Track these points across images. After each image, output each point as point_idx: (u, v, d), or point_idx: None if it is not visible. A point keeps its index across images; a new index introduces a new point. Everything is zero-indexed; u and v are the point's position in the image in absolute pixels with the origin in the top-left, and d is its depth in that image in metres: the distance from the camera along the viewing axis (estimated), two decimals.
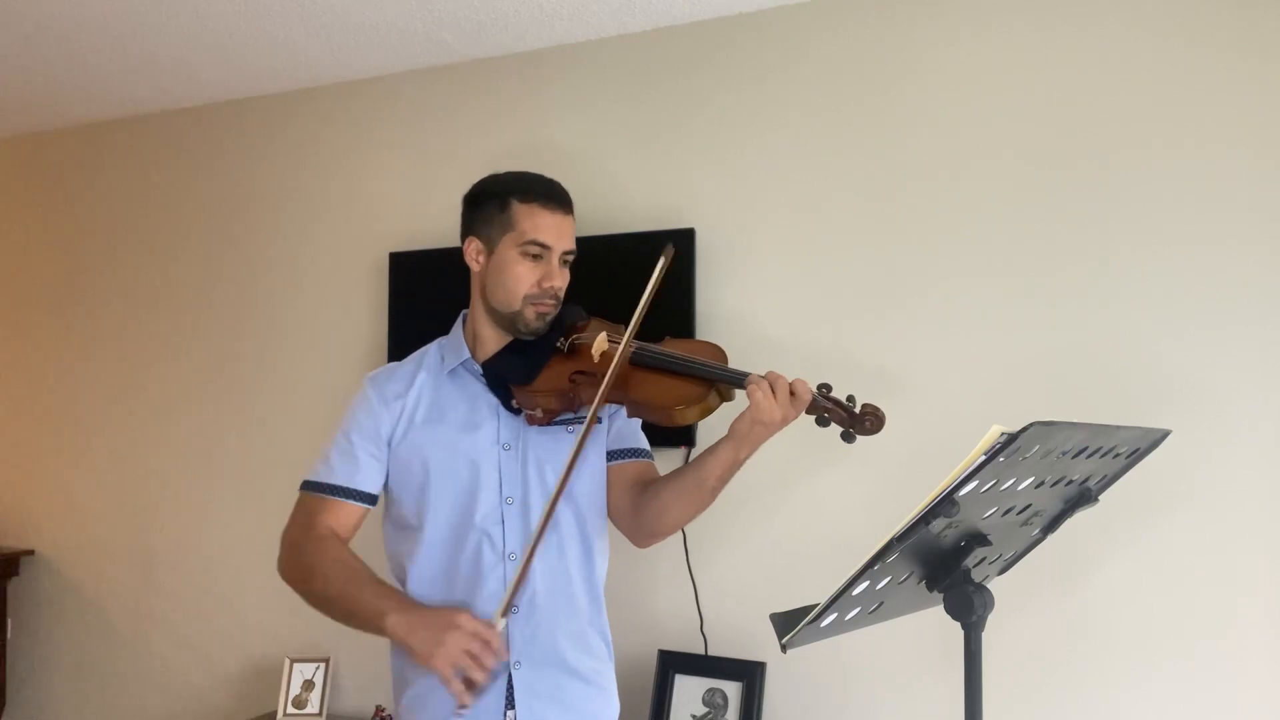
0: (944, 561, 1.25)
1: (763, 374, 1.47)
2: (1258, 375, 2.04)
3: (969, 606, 1.22)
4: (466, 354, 1.64)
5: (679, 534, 2.31)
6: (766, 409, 1.43)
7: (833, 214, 2.41)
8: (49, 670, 3.28)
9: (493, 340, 1.64)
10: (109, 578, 3.21)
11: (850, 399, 1.48)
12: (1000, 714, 1.99)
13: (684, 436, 2.38)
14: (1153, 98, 2.15)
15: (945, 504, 1.09)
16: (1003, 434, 1.05)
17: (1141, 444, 1.33)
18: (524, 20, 2.59)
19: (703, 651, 2.39)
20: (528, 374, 1.58)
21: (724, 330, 2.42)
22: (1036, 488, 1.23)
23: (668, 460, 2.32)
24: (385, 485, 1.65)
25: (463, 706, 1.42)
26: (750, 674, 2.30)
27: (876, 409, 1.46)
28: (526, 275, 1.58)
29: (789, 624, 1.22)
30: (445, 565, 1.58)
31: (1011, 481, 1.16)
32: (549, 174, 1.68)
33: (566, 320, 1.65)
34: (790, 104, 2.48)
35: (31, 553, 3.32)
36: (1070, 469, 1.25)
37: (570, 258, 1.64)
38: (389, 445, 1.62)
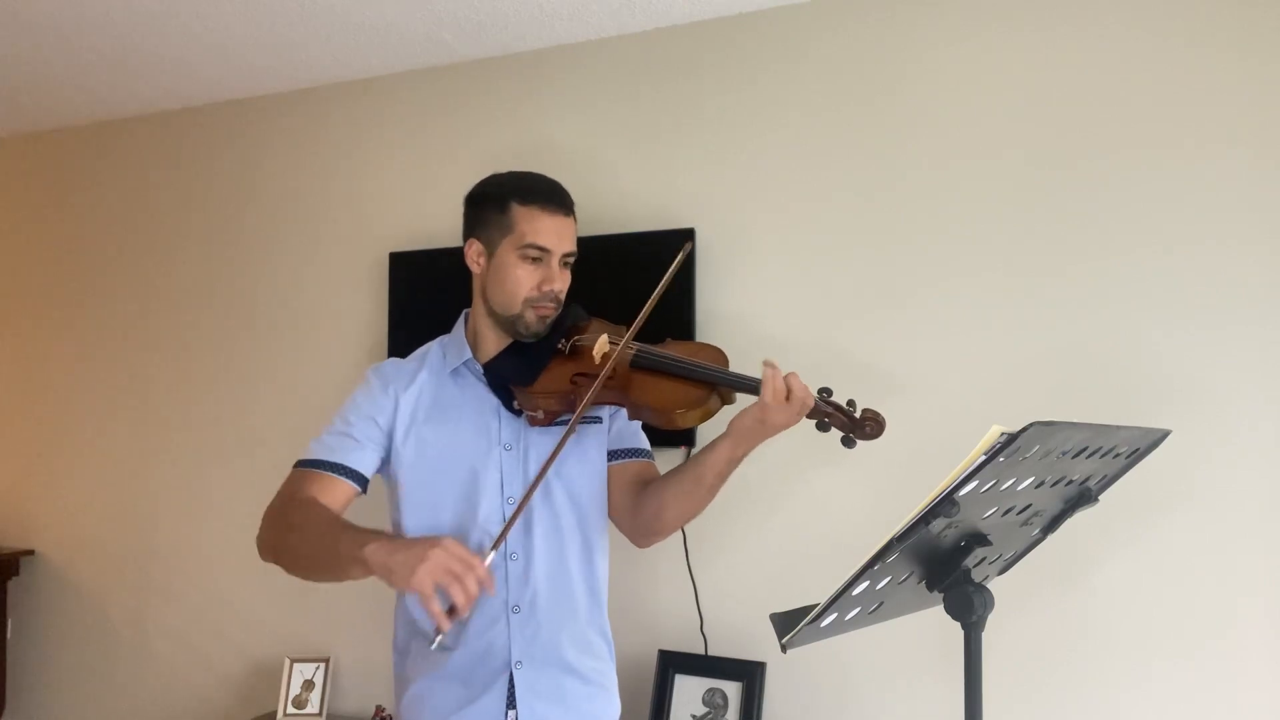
0: (944, 561, 1.25)
1: (771, 373, 1.46)
2: (1258, 375, 2.04)
3: (969, 606, 1.22)
4: (468, 354, 1.64)
5: (679, 534, 2.31)
6: (777, 408, 1.44)
7: (832, 214, 2.41)
8: (49, 670, 3.28)
9: (494, 341, 1.64)
10: (109, 578, 3.21)
11: (851, 404, 1.48)
12: (1000, 714, 1.99)
13: (684, 437, 2.38)
14: (1153, 98, 2.15)
15: (945, 504, 1.09)
16: (1003, 434, 1.05)
17: (1141, 444, 1.33)
18: (524, 20, 2.59)
19: (703, 651, 2.39)
20: (529, 376, 1.58)
21: (723, 330, 2.43)
22: (1036, 488, 1.23)
23: (667, 460, 2.32)
24: (386, 483, 1.65)
25: (439, 632, 1.32)
26: (750, 674, 2.30)
27: (877, 414, 1.46)
28: (526, 278, 1.58)
29: (789, 624, 1.22)
30: None
31: (1011, 481, 1.16)
32: (549, 174, 1.67)
33: (568, 321, 1.65)
34: (790, 104, 2.48)
35: (31, 553, 3.32)
36: (1070, 469, 1.25)
37: (571, 260, 1.64)
38: (389, 436, 1.61)
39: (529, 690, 1.54)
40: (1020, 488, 1.19)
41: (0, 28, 2.64)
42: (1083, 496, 1.34)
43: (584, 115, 2.69)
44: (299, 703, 2.75)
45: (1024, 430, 1.04)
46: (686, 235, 2.46)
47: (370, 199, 2.96)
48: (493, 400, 1.62)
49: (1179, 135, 2.12)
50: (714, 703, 2.33)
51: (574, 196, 1.66)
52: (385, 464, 1.63)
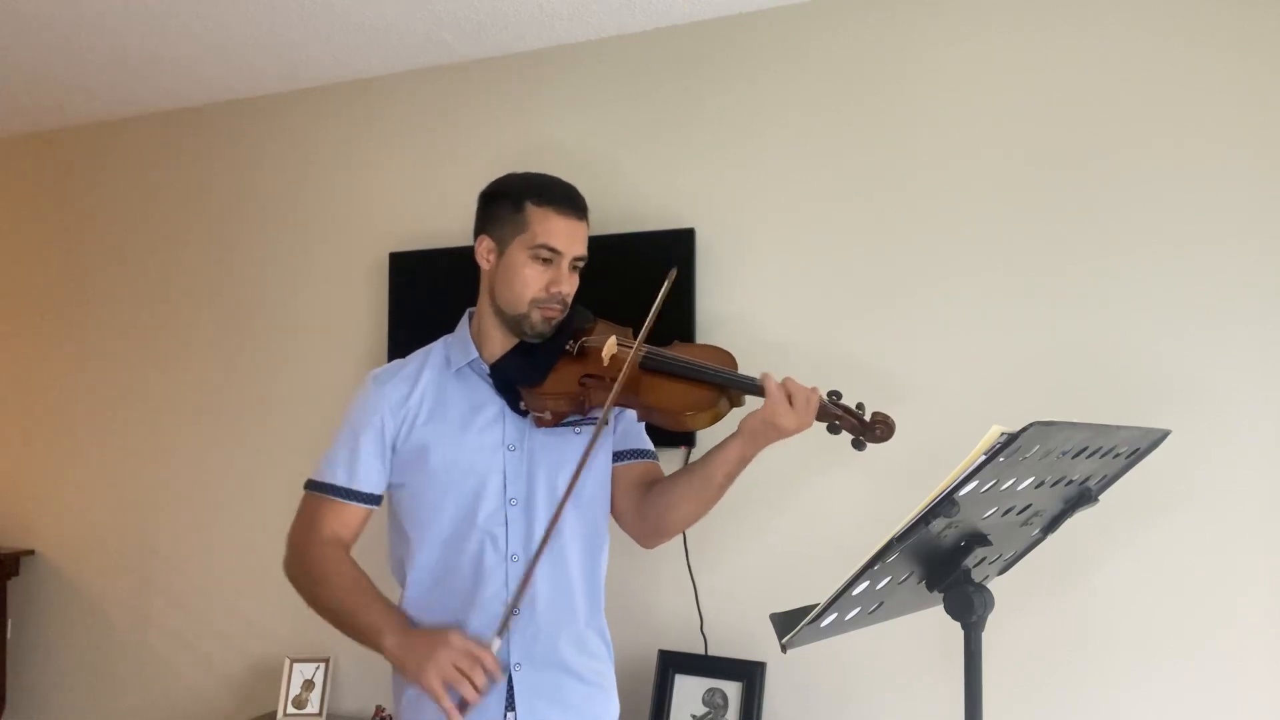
0: (944, 561, 1.25)
1: (779, 379, 1.48)
2: (1258, 375, 2.04)
3: (969, 606, 1.22)
4: (474, 354, 1.64)
5: (679, 534, 2.31)
6: (783, 414, 1.45)
7: (832, 214, 2.41)
8: (49, 670, 3.28)
9: (499, 341, 1.64)
10: (109, 578, 3.21)
11: (860, 406, 1.49)
12: (1000, 714, 1.99)
13: (684, 437, 2.38)
14: (1153, 98, 2.15)
15: (945, 504, 1.10)
16: (1003, 434, 1.05)
17: (1141, 444, 1.33)
18: (524, 20, 2.59)
19: (703, 651, 2.39)
20: (537, 376, 1.58)
21: (724, 330, 2.43)
22: (1036, 488, 1.23)
23: (667, 461, 2.32)
24: (388, 484, 1.65)
25: None
26: (750, 674, 2.30)
27: (887, 417, 1.47)
28: (535, 279, 1.58)
29: (789, 624, 1.23)
30: (447, 565, 1.58)
31: (1011, 481, 1.16)
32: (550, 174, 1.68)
33: (574, 323, 1.64)
34: (790, 104, 2.48)
35: (31, 553, 3.32)
36: (1070, 469, 1.25)
37: (581, 264, 1.63)
38: (393, 446, 1.62)
39: (529, 691, 1.54)
40: (1020, 488, 1.19)
41: (0, 28, 2.64)
42: (1083, 496, 1.34)
43: (584, 115, 2.69)
44: (299, 703, 2.75)
45: (1024, 430, 1.04)
46: (687, 235, 2.46)
47: (370, 199, 2.96)
48: (498, 400, 1.62)
49: (1179, 135, 2.12)
50: (714, 703, 2.33)
51: None
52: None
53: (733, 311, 2.47)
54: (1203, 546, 2.05)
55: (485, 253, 1.63)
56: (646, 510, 1.64)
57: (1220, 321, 2.07)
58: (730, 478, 1.54)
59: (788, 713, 2.35)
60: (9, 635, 3.28)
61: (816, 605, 1.19)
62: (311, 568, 1.58)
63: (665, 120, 2.60)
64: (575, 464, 1.57)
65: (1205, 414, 2.05)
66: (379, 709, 2.69)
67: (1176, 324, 2.10)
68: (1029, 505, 1.27)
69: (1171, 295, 2.11)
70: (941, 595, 1.25)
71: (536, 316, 1.59)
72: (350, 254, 2.96)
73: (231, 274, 3.13)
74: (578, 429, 1.62)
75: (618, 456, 1.69)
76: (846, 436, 1.49)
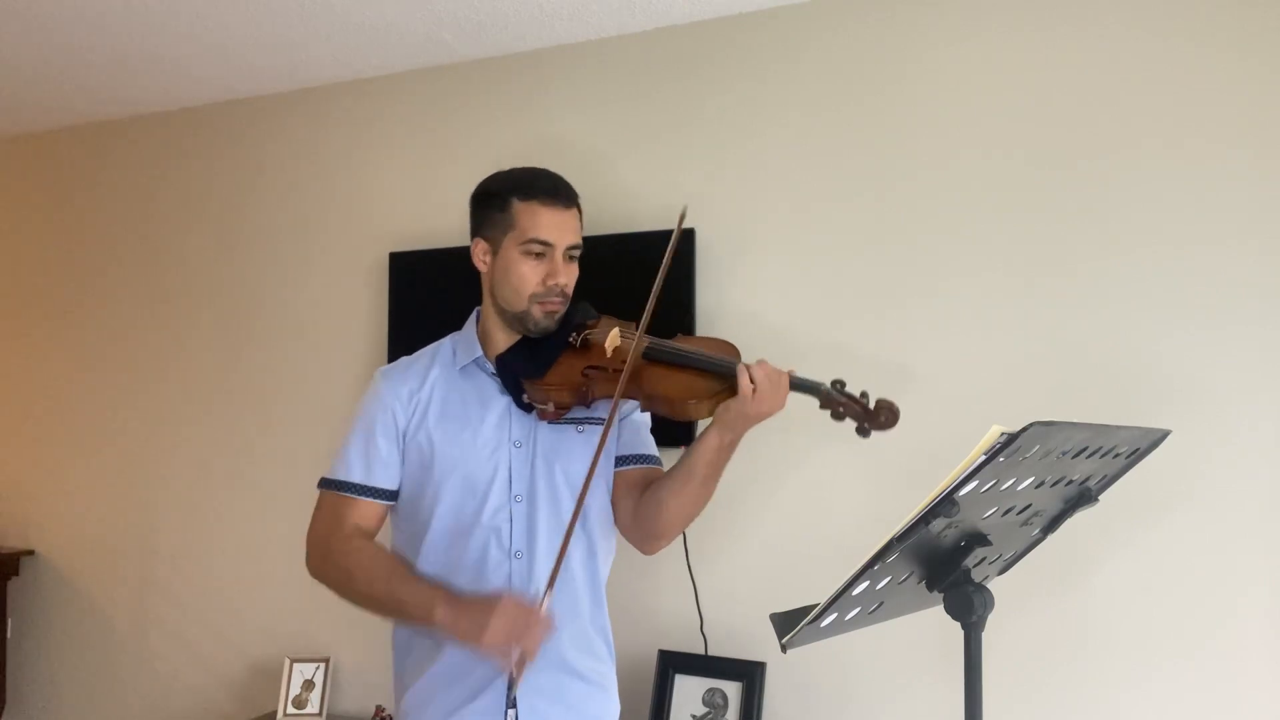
0: (944, 561, 1.25)
1: (740, 368, 1.48)
2: (1258, 375, 2.04)
3: (969, 606, 1.22)
4: (479, 351, 1.64)
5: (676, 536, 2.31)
6: (750, 398, 1.45)
7: (832, 214, 2.41)
8: (49, 670, 3.28)
9: (504, 339, 1.64)
10: (109, 578, 3.21)
11: (864, 394, 1.49)
12: (1000, 714, 1.99)
13: (684, 436, 2.38)
14: (1153, 98, 2.15)
15: (945, 504, 1.10)
16: (1003, 434, 1.05)
17: (1141, 444, 1.33)
18: (524, 20, 2.59)
19: (703, 651, 2.39)
20: (539, 368, 1.58)
21: (724, 330, 2.42)
22: (1036, 488, 1.23)
23: (667, 462, 2.32)
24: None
25: (513, 681, 1.47)
26: (750, 674, 2.30)
27: (891, 404, 1.47)
28: (531, 274, 1.58)
29: (789, 624, 1.23)
30: (450, 561, 1.58)
31: (1011, 481, 1.16)
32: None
33: (577, 317, 1.65)
34: (790, 104, 2.48)
35: (31, 553, 3.32)
36: (1070, 469, 1.25)
37: (576, 252, 1.63)
38: (403, 438, 1.62)
39: (529, 690, 1.54)
40: (1020, 488, 1.19)
41: (0, 28, 2.64)
42: (1083, 496, 1.34)
43: (584, 115, 2.69)
44: (299, 703, 2.75)
45: (1024, 430, 1.04)
46: (687, 235, 2.46)
47: (370, 199, 2.96)
48: (503, 397, 1.62)
49: (1179, 135, 2.12)
50: (714, 703, 2.33)
51: None
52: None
53: (733, 311, 2.47)
54: (1203, 546, 2.05)
55: (481, 255, 1.64)
56: (640, 514, 1.64)
57: (1220, 321, 2.07)
58: (712, 468, 1.54)
59: (788, 713, 2.35)
60: (9, 635, 3.28)
61: (816, 605, 1.19)
62: (341, 560, 1.57)
63: (665, 120, 2.60)
64: (580, 461, 1.58)
65: (1205, 414, 2.05)
66: (379, 709, 2.69)
67: (1176, 324, 2.10)
68: (1029, 505, 1.27)
69: (1171, 295, 2.11)
70: (941, 595, 1.25)
71: (538, 311, 1.59)
72: (350, 254, 2.96)
73: (231, 274, 3.13)
74: (580, 427, 1.62)
75: (620, 461, 1.69)
76: (851, 424, 1.49)
